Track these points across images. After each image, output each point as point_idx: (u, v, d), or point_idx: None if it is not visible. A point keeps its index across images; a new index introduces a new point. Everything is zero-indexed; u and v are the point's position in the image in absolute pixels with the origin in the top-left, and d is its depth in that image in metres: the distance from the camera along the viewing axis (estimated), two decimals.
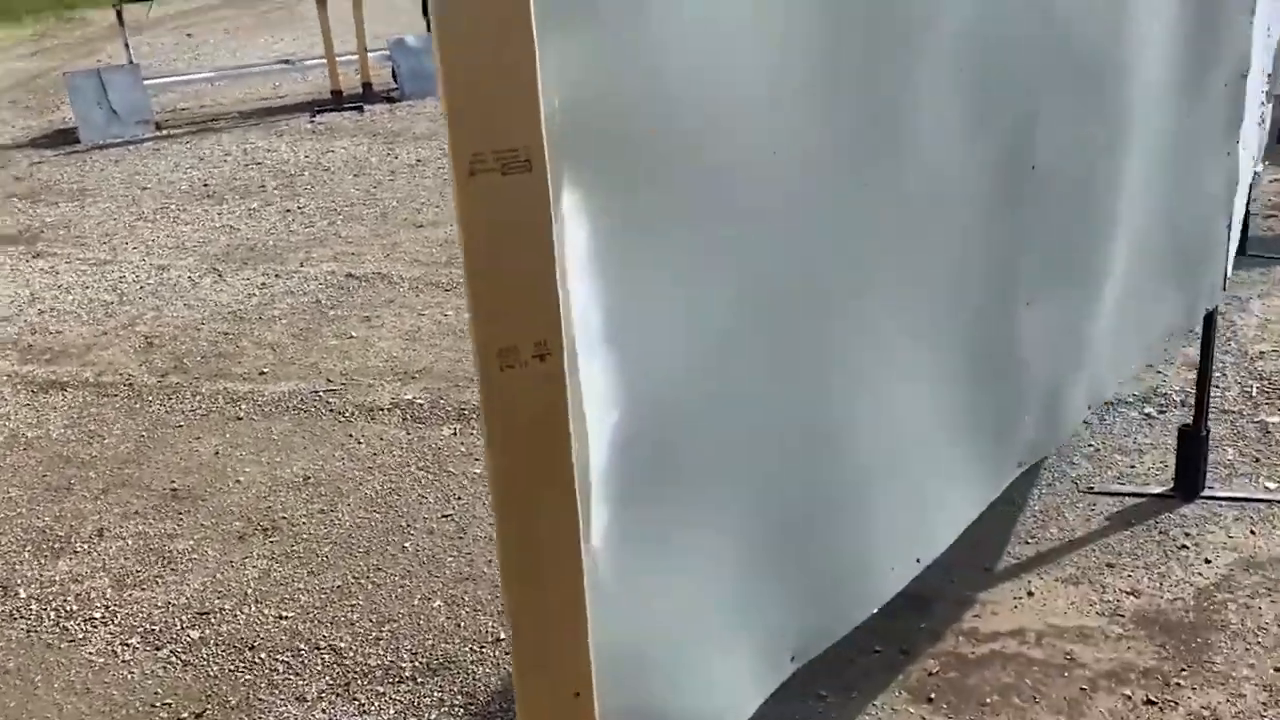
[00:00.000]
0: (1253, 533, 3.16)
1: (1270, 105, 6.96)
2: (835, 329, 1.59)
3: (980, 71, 1.80)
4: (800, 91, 1.39)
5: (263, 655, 2.92)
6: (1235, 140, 2.91)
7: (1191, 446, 3.33)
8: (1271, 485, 3.38)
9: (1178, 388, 4.05)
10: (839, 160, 1.50)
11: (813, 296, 1.53)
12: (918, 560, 1.95)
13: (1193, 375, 4.05)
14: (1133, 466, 3.56)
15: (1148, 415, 3.88)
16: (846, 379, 1.65)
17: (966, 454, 2.05)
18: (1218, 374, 4.13)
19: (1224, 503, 3.31)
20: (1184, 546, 3.13)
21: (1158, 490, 3.40)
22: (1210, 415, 3.84)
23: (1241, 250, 5.42)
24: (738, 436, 1.48)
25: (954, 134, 1.79)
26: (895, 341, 1.76)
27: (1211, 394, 4.00)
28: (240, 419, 4.20)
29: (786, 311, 1.49)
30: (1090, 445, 3.71)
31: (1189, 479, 3.35)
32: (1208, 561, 3.06)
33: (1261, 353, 4.27)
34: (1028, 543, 3.21)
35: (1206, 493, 3.35)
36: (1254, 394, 3.96)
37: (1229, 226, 3.03)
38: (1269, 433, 3.68)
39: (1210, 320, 3.21)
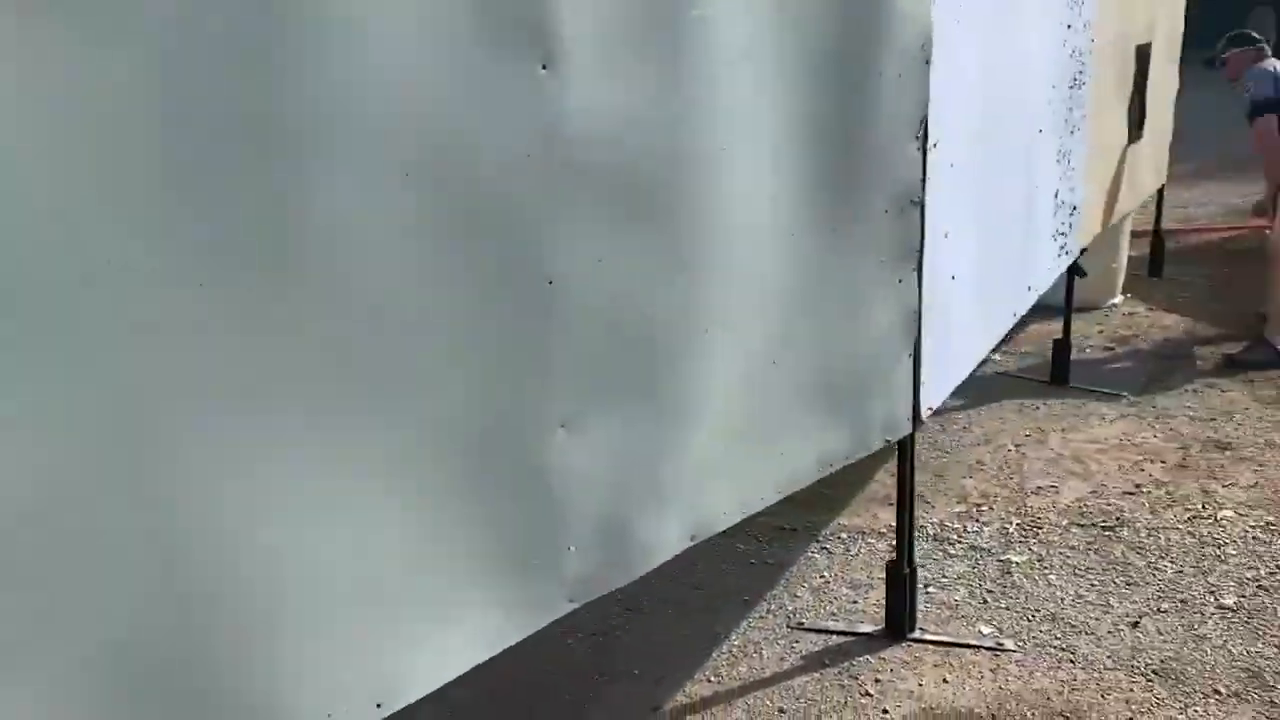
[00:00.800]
0: (945, 681, 2.97)
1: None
2: (176, 449, 1.44)
3: (437, 174, 1.70)
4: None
5: None
6: (912, 269, 2.80)
7: (896, 584, 3.16)
8: (986, 630, 3.19)
9: (936, 520, 3.89)
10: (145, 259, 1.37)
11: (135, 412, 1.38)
12: (378, 706, 1.78)
13: (964, 507, 3.90)
14: (855, 602, 3.38)
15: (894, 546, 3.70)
16: (216, 504, 1.50)
17: (461, 589, 1.89)
18: (985, 508, 3.98)
19: (929, 646, 3.12)
20: (868, 693, 2.93)
21: (868, 629, 3.21)
22: (958, 551, 3.69)
23: (1065, 381, 5.32)
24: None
25: (398, 239, 1.67)
26: (307, 460, 1.62)
27: (967, 528, 3.85)
28: None
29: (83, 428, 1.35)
30: (822, 577, 3.54)
31: (896, 619, 3.17)
32: (885, 712, 2.86)
33: (1038, 488, 4.12)
34: (710, 680, 3.02)
35: (915, 634, 3.17)
36: (1010, 530, 3.79)
37: (914, 356, 2.90)
38: (1008, 573, 3.51)
39: (906, 451, 3.07)
